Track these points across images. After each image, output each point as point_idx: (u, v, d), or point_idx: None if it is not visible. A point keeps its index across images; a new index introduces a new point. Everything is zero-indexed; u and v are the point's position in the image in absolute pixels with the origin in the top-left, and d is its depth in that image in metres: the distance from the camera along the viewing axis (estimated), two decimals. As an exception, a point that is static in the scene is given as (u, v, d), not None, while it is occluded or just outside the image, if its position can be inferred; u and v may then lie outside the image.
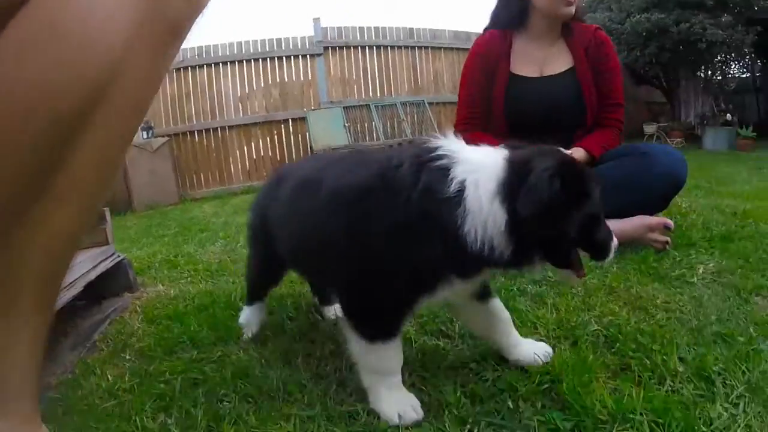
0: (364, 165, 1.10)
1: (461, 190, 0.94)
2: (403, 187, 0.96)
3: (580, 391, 1.11)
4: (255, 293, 1.56)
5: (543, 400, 1.11)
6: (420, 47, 8.12)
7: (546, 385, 1.16)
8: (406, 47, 8.01)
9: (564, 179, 0.94)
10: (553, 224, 0.96)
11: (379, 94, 7.86)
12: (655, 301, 1.62)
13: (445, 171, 0.96)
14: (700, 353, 1.27)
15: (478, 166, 0.97)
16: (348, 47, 7.70)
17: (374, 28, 7.85)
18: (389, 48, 7.91)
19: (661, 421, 1.01)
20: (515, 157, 0.99)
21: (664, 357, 1.25)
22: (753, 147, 6.99)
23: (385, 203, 0.98)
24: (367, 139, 7.66)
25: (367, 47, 7.79)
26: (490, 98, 1.92)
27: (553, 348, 1.30)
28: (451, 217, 0.94)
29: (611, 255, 1.16)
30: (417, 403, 1.08)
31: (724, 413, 1.05)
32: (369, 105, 7.57)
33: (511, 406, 1.09)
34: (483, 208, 0.93)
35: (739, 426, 1.01)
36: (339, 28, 7.64)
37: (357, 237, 1.02)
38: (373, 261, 1.01)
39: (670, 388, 1.14)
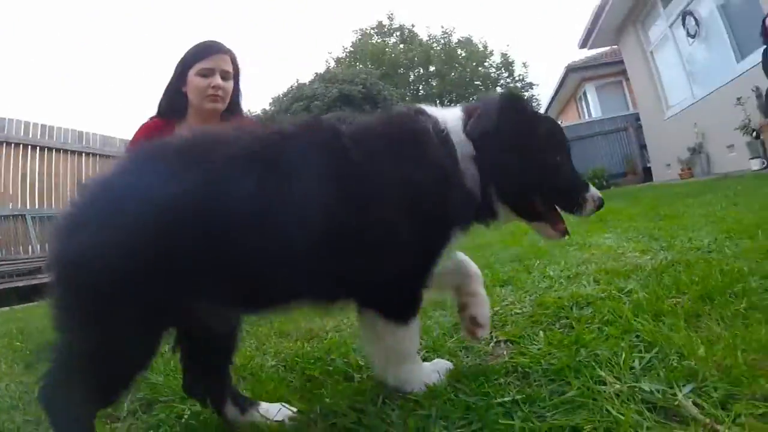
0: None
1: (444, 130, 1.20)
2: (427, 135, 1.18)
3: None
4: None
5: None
6: (89, 153, 7.88)
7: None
8: (74, 152, 7.64)
9: (510, 112, 1.23)
10: (501, 153, 1.18)
11: (38, 204, 7.16)
12: (326, 328, 1.98)
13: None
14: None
15: (445, 115, 1.24)
16: (8, 143, 6.84)
17: (41, 125, 7.25)
18: (54, 150, 7.37)
19: (360, 404, 1.19)
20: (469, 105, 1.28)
21: (345, 360, 1.53)
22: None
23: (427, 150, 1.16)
24: (22, 253, 6.90)
25: (30, 146, 7.10)
26: None
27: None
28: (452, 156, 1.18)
29: (588, 208, 1.30)
30: (441, 365, 1.29)
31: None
32: (25, 215, 6.89)
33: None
34: (461, 144, 1.19)
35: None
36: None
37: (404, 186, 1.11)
38: (416, 213, 1.12)
39: (360, 379, 1.40)
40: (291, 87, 12.55)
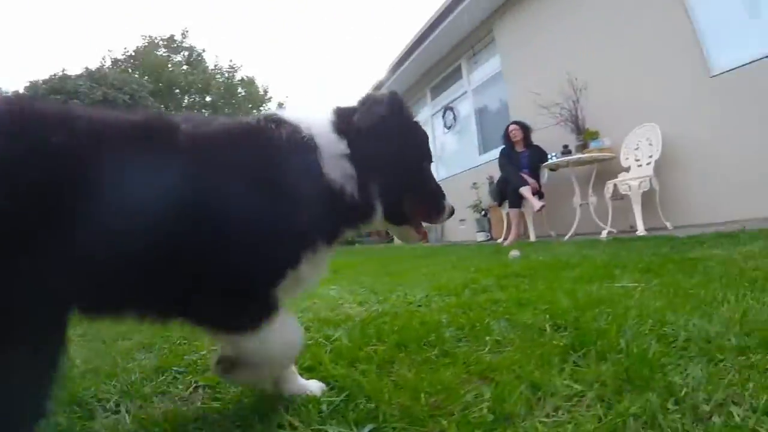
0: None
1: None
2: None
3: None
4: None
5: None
6: None
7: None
8: None
9: (399, 109, 1.27)
10: (385, 144, 1.21)
11: None
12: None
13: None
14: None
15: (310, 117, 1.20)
16: None
17: None
18: None
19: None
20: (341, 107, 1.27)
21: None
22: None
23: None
24: None
25: None
26: None
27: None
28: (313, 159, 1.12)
29: (445, 214, 1.38)
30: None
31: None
32: None
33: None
34: (331, 144, 1.15)
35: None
36: None
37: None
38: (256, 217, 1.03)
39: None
40: (54, 76, 10.94)
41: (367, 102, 1.26)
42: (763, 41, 5.05)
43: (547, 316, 1.78)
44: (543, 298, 2.09)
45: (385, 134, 1.22)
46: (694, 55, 5.60)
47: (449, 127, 11.71)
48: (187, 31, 25.47)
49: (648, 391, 1.05)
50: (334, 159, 1.15)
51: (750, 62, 5.11)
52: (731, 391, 1.04)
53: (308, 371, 1.46)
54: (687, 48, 5.66)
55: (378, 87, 13.20)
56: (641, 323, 1.55)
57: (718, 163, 5.39)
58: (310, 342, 1.77)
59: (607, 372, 1.19)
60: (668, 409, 0.99)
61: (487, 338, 1.60)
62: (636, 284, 2.23)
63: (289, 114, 1.20)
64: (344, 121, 1.22)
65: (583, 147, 6.45)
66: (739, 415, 0.95)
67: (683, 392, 1.04)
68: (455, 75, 11.35)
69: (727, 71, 5.33)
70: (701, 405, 1.00)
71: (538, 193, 6.83)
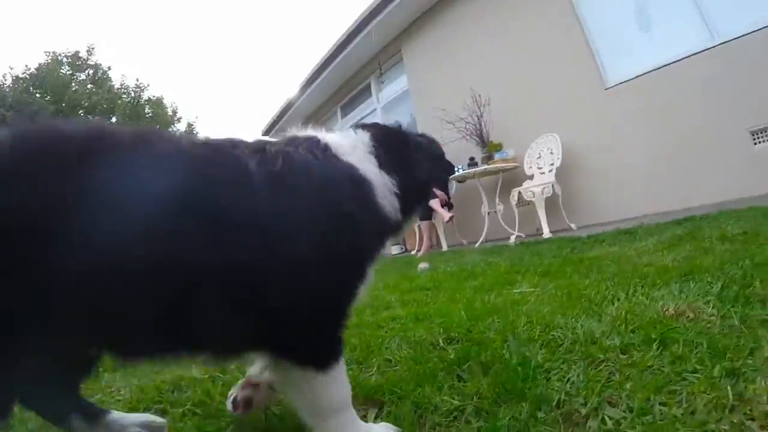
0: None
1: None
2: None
3: None
4: None
5: None
6: None
7: None
8: None
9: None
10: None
11: None
12: None
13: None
14: None
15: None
16: None
17: None
18: None
19: None
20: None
21: None
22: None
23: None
24: None
25: None
26: None
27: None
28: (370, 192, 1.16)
29: None
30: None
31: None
32: None
33: None
34: (381, 179, 1.20)
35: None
36: None
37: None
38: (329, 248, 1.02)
39: None
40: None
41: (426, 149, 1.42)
42: (651, 55, 5.47)
43: (442, 329, 1.76)
44: (440, 312, 2.08)
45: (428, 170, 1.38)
46: (590, 69, 5.98)
47: (359, 144, 11.86)
48: (93, 48, 24.34)
49: (523, 401, 1.04)
50: (387, 192, 1.20)
51: (640, 75, 5.53)
52: (609, 392, 1.05)
53: (200, 406, 1.44)
54: (583, 63, 6.03)
55: (289, 105, 13.10)
56: (531, 329, 1.56)
57: (615, 166, 5.75)
58: (205, 376, 1.71)
59: (486, 384, 1.17)
60: (539, 417, 0.98)
61: (374, 359, 1.56)
62: (533, 289, 2.26)
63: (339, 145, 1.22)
64: (390, 156, 1.28)
65: (488, 158, 6.67)
66: (612, 418, 0.95)
67: (557, 398, 1.03)
68: (365, 93, 11.52)
69: (621, 83, 5.74)
70: (578, 409, 0.99)
71: (448, 205, 6.99)
